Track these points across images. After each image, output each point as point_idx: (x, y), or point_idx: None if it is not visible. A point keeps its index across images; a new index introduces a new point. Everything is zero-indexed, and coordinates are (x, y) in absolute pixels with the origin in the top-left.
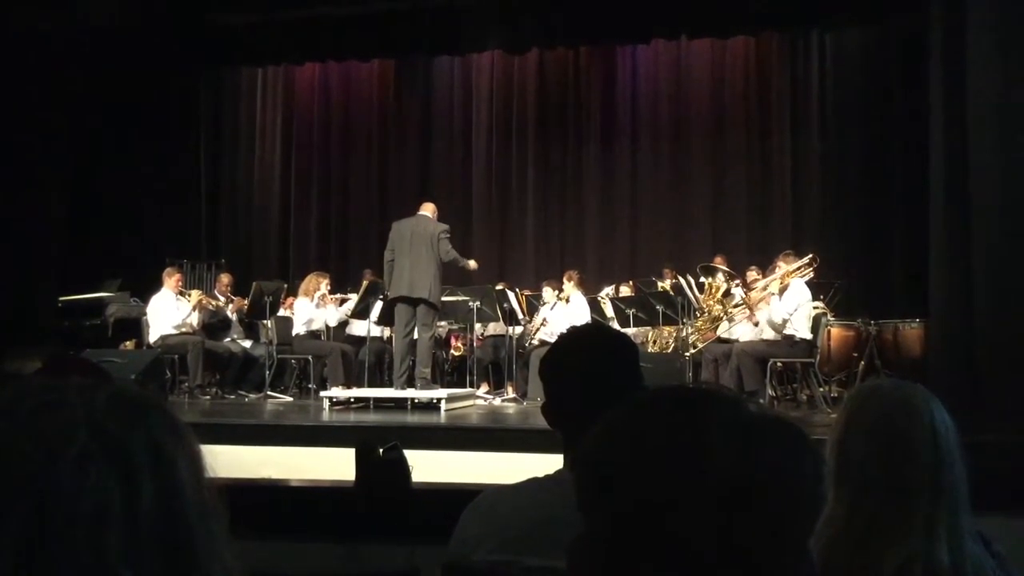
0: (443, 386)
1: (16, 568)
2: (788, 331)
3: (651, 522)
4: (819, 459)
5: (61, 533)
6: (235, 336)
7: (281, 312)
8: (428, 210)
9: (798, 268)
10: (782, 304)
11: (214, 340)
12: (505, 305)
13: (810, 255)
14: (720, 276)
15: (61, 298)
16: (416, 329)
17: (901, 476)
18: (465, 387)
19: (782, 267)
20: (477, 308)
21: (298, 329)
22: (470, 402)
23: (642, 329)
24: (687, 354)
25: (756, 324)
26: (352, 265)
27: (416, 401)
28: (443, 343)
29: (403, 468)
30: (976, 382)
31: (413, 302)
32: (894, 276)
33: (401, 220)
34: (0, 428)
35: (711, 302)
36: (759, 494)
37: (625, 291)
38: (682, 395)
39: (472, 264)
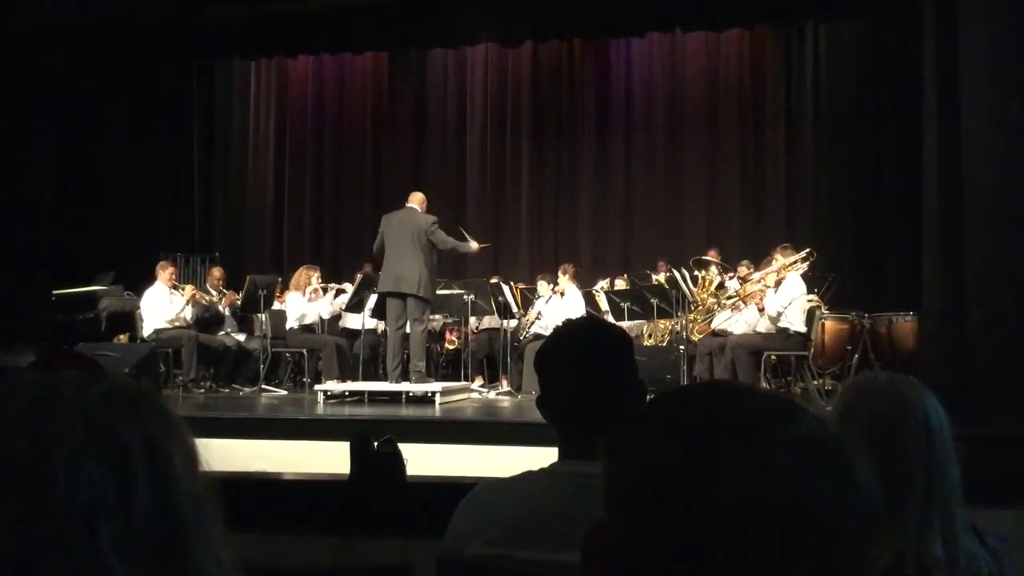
0: (437, 379)
1: (11, 562)
2: (782, 324)
3: (693, 535)
4: (867, 491)
5: (56, 527)
6: (229, 330)
7: (275, 306)
8: (416, 201)
9: (795, 262)
10: (777, 297)
11: (207, 334)
12: (500, 298)
13: (807, 250)
14: (713, 269)
15: (55, 292)
16: (408, 323)
17: (895, 469)
18: (460, 380)
19: (779, 260)
20: (472, 302)
21: (291, 323)
22: (464, 395)
23: (637, 322)
24: (682, 347)
25: (762, 311)
26: (346, 258)
27: (411, 394)
28: (437, 337)
29: (398, 461)
30: (968, 376)
31: (402, 296)
32: (887, 269)
33: (390, 213)
34: None
35: (704, 295)
36: (811, 526)
37: (620, 284)
38: (748, 411)
39: (474, 245)
